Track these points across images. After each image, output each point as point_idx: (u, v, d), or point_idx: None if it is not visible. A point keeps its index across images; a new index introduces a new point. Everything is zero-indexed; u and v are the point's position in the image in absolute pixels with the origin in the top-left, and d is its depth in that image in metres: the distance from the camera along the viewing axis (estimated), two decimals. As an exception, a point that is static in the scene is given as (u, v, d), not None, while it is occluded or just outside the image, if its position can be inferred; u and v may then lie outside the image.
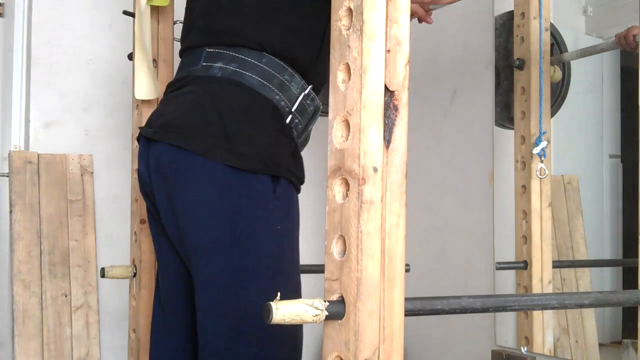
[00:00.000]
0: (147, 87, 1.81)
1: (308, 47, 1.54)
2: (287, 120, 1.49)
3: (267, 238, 1.43)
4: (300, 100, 1.49)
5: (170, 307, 1.59)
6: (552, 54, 2.41)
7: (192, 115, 1.45)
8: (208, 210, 1.41)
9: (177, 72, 1.61)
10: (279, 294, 0.93)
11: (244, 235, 1.40)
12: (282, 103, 1.47)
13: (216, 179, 1.41)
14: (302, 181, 1.55)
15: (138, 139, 1.58)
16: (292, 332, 1.49)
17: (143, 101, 1.86)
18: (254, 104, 1.46)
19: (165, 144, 1.46)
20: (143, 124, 1.85)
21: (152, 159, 1.49)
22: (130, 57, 1.97)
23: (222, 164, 1.40)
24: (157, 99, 1.87)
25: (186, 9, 1.65)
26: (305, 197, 2.69)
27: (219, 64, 1.48)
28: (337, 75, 0.98)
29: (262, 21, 1.50)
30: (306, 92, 1.51)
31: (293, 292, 1.49)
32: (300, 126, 1.52)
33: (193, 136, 1.42)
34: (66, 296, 2.30)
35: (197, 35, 1.56)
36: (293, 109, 1.49)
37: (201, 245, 1.42)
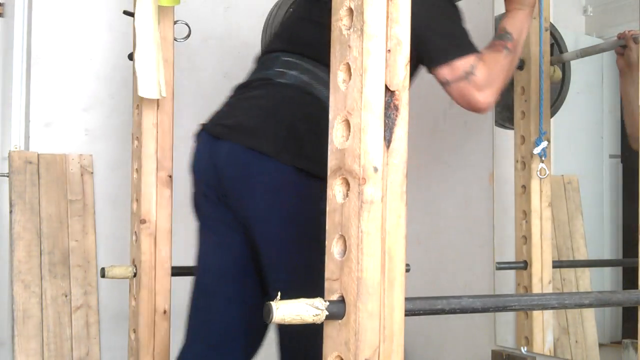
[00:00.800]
0: (156, 85, 1.80)
1: None
2: None
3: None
4: None
5: (223, 290, 1.66)
6: (552, 54, 2.41)
7: (264, 119, 1.53)
8: (278, 211, 1.49)
9: (250, 75, 1.69)
10: (279, 293, 0.93)
11: (310, 235, 1.44)
12: None
13: (286, 181, 1.48)
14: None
15: (198, 134, 1.65)
16: None
17: (143, 101, 1.86)
18: (322, 114, 1.52)
19: (237, 144, 1.53)
20: (143, 124, 1.86)
21: (221, 156, 1.55)
22: (131, 57, 1.96)
23: (293, 167, 1.47)
24: (157, 99, 1.86)
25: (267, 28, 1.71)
26: (305, 197, 2.70)
27: (294, 72, 1.56)
28: (338, 75, 0.98)
29: None
30: None
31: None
32: None
33: (266, 139, 1.50)
34: (66, 296, 2.30)
35: (277, 42, 1.65)
36: None
37: (273, 253, 1.52)
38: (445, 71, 1.51)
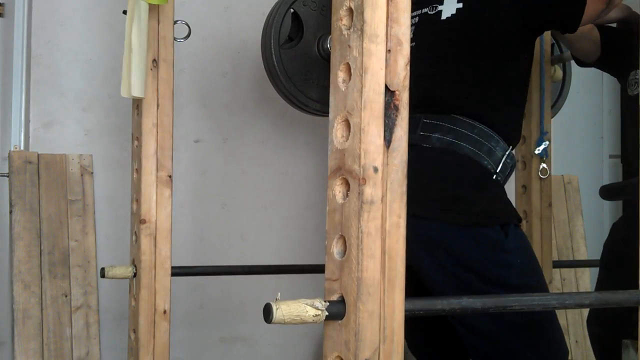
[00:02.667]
0: (142, 85, 1.80)
1: (517, 117, 1.76)
2: (493, 179, 1.69)
3: (512, 274, 1.62)
4: (504, 161, 1.69)
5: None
6: (552, 54, 2.41)
7: (419, 183, 1.57)
8: (452, 264, 1.61)
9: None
10: (279, 293, 0.93)
11: (492, 277, 1.60)
12: (489, 167, 1.67)
13: (451, 238, 1.61)
14: (521, 220, 1.74)
15: None
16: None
17: (143, 101, 1.85)
18: (468, 169, 1.65)
19: None
20: (143, 124, 1.86)
21: None
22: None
23: (455, 225, 1.61)
24: (158, 99, 1.86)
25: None
26: (305, 197, 2.70)
27: (437, 135, 1.66)
28: (338, 75, 0.98)
29: (480, 94, 1.69)
30: (507, 152, 1.70)
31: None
32: (501, 182, 1.72)
33: (427, 204, 1.60)
34: (66, 296, 2.30)
35: (413, 102, 1.69)
36: (497, 170, 1.68)
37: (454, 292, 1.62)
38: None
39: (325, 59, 1.98)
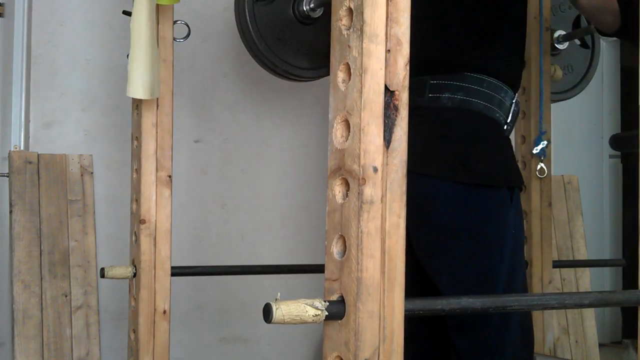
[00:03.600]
0: (145, 86, 1.80)
1: (517, 64, 1.74)
2: (505, 131, 1.68)
3: (508, 242, 1.61)
4: (512, 110, 1.68)
5: None
6: (579, 26, 2.40)
7: (428, 144, 1.61)
8: (453, 225, 1.61)
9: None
10: (278, 293, 0.93)
11: (491, 243, 1.60)
12: (501, 118, 1.66)
13: (457, 197, 1.60)
14: (523, 183, 1.74)
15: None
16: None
17: (143, 101, 1.86)
18: (481, 126, 1.65)
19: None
20: (142, 124, 1.86)
21: None
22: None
23: (462, 184, 1.59)
24: (157, 99, 1.86)
25: None
26: (305, 197, 2.70)
27: (447, 95, 1.65)
28: (337, 75, 0.98)
29: (482, 46, 1.68)
30: (514, 100, 1.69)
31: (523, 286, 1.69)
32: (510, 130, 1.71)
33: (434, 163, 1.60)
34: (66, 296, 2.30)
35: (415, 64, 1.69)
36: (508, 120, 1.68)
37: (447, 259, 1.62)
38: None
39: (300, 21, 1.97)
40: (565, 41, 2.42)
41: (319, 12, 1.98)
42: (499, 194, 1.61)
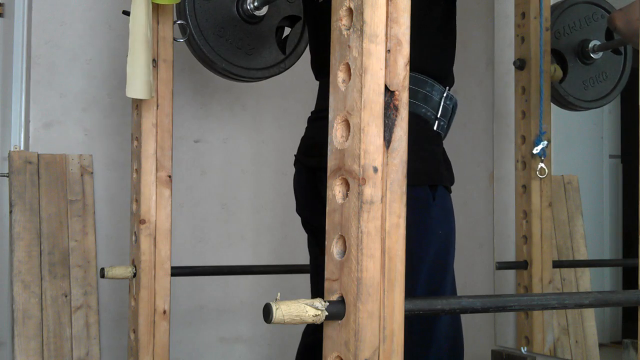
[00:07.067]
0: (145, 86, 1.80)
1: (448, 59, 1.70)
2: (435, 127, 1.62)
3: (432, 242, 1.57)
4: (442, 104, 1.62)
5: None
6: (612, 38, 2.41)
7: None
8: None
9: (323, 100, 1.69)
10: (278, 293, 0.93)
11: (412, 242, 1.53)
12: (429, 114, 1.61)
13: None
14: (453, 183, 1.67)
15: (296, 165, 1.74)
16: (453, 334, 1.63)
17: (142, 101, 1.86)
18: (416, 129, 1.61)
19: None
20: (142, 124, 1.86)
21: (322, 184, 1.61)
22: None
23: None
24: (157, 99, 1.86)
25: (310, 32, 1.76)
26: (305, 197, 2.70)
27: None
28: (338, 75, 0.98)
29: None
30: (445, 94, 1.63)
31: (453, 286, 1.65)
32: (445, 126, 1.65)
33: None
34: (66, 296, 2.30)
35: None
36: (438, 115, 1.62)
37: None
38: None
39: (243, 19, 1.97)
40: (600, 51, 2.42)
41: (263, 11, 1.99)
42: (420, 192, 1.55)
